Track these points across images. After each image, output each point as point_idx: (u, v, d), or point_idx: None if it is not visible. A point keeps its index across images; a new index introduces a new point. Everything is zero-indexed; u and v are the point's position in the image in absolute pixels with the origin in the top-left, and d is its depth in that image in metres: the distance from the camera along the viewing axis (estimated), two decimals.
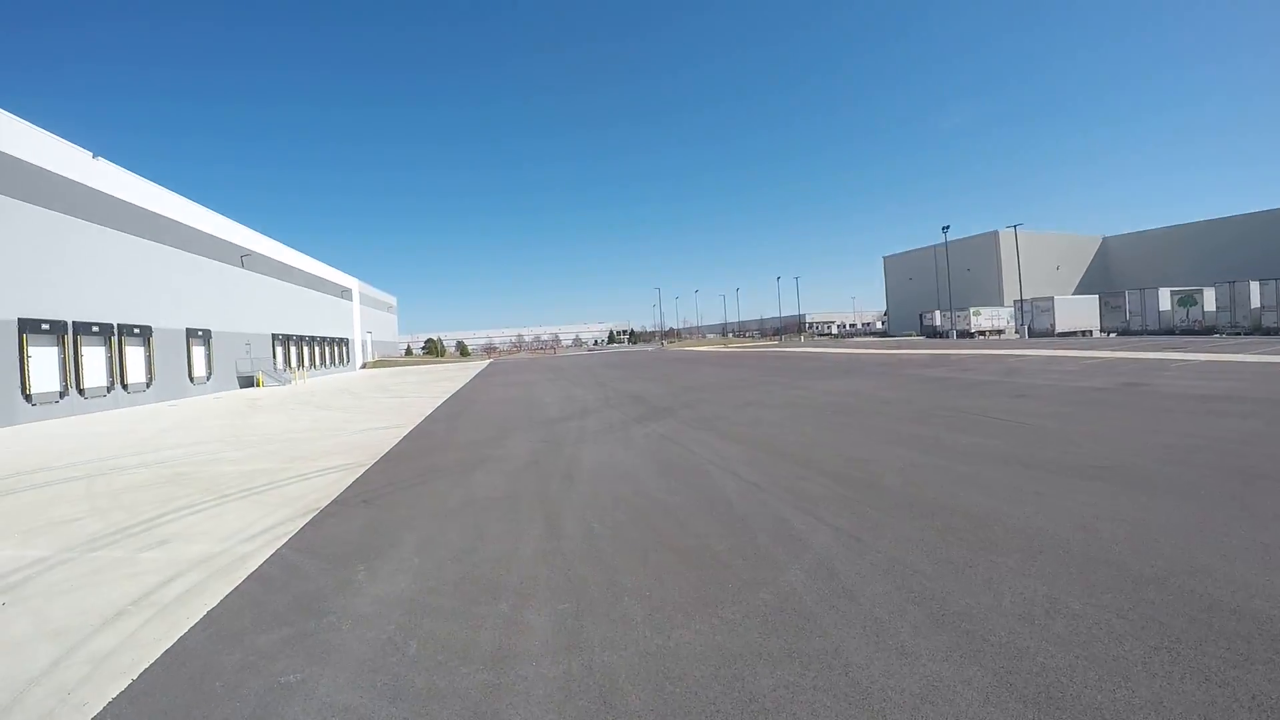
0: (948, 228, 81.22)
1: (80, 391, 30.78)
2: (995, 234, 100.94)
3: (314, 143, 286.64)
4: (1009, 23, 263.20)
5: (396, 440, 14.62)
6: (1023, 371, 23.91)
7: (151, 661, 4.43)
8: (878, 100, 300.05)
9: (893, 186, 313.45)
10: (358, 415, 21.46)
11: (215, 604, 5.40)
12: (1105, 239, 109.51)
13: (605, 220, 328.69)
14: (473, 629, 4.65)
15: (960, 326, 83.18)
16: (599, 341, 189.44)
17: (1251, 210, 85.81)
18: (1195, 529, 5.84)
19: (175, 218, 40.38)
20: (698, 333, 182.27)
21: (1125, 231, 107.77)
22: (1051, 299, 74.15)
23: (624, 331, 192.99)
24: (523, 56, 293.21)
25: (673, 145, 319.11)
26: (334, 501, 8.92)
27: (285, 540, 7.21)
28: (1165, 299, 63.39)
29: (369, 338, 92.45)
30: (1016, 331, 78.25)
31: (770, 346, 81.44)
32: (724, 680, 3.77)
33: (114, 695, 4.01)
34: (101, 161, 33.80)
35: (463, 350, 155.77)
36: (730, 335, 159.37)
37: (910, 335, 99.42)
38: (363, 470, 11.11)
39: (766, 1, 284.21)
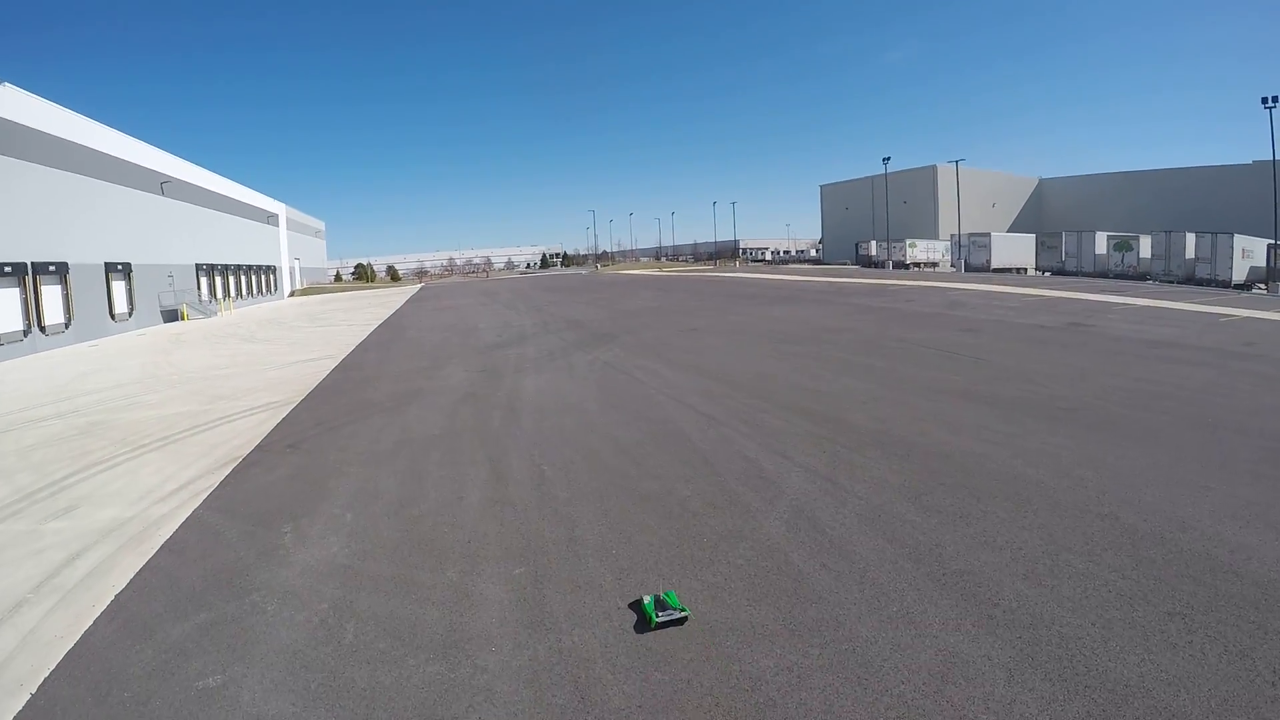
0: (888, 159, 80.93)
1: None
2: (934, 168, 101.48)
3: (234, 57, 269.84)
4: None
5: (325, 373, 13.78)
6: (966, 305, 23.73)
7: (52, 669, 3.70)
8: (824, 31, 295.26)
9: (834, 120, 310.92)
10: (284, 347, 20.36)
11: (124, 585, 4.71)
12: (1041, 181, 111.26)
13: (541, 150, 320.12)
14: (418, 605, 4.08)
15: (896, 258, 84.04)
16: (531, 265, 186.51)
17: (1186, 165, 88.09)
18: (1176, 481, 5.60)
19: (90, 144, 37.53)
20: (631, 256, 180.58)
21: (1061, 175, 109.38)
22: (989, 235, 74.99)
23: (556, 255, 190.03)
24: None
25: (617, 80, 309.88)
26: (257, 448, 8.19)
27: (204, 498, 6.52)
28: (1102, 243, 64.64)
29: (297, 264, 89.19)
30: (953, 265, 79.01)
31: (705, 272, 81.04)
32: (718, 662, 3.29)
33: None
34: (8, 87, 31.07)
35: (393, 275, 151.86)
36: (664, 259, 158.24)
37: (845, 264, 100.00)
38: (289, 409, 10.32)
39: None
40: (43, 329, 32.38)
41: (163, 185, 46.70)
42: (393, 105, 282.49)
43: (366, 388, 11.62)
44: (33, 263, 31.79)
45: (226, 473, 7.27)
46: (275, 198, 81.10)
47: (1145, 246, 60.92)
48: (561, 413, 8.63)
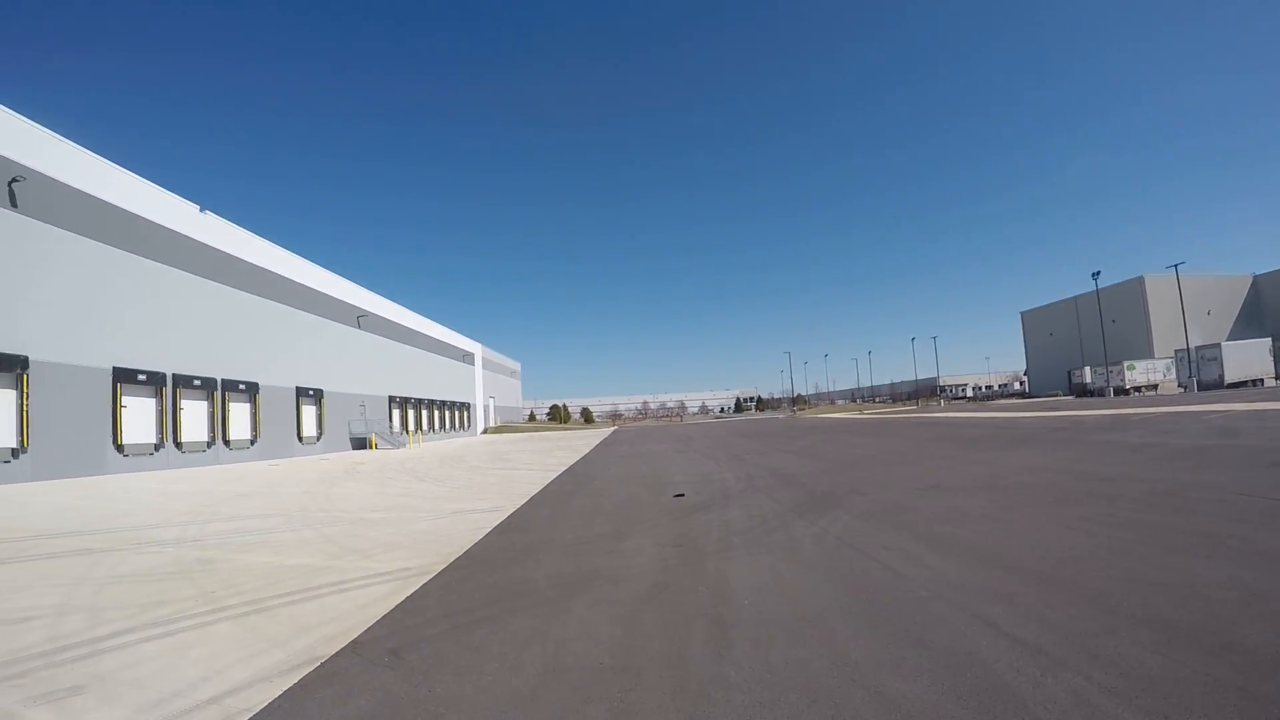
0: (1098, 273, 73.86)
1: (178, 445, 29.69)
2: (1141, 280, 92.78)
3: (439, 204, 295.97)
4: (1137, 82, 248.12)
5: (485, 532, 11.33)
6: (1241, 432, 19.41)
7: None
8: (1003, 153, 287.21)
9: (1025, 243, 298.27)
10: (455, 490, 18.60)
11: None
12: (1256, 278, 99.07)
13: (733, 286, 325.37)
14: None
15: (1115, 383, 75.70)
16: (725, 409, 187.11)
17: None
18: None
19: (287, 275, 39.72)
20: (826, 399, 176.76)
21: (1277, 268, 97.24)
22: (1219, 346, 66.52)
23: (750, 399, 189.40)
24: (643, 117, 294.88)
25: (796, 207, 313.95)
26: (351, 645, 5.66)
27: None
28: None
29: (491, 402, 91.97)
30: (1180, 385, 70.42)
31: (907, 412, 75.63)
32: None
33: None
34: (209, 215, 33.15)
35: (587, 417, 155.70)
36: (861, 401, 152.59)
37: (1056, 395, 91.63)
38: (421, 582, 7.85)
39: (886, 58, 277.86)
40: (227, 443, 33.22)
41: (359, 319, 48.71)
42: (585, 265, 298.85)
43: (527, 560, 8.93)
44: (222, 379, 32.89)
45: (284, 688, 4.81)
46: (473, 337, 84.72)
47: None
48: (794, 633, 5.38)
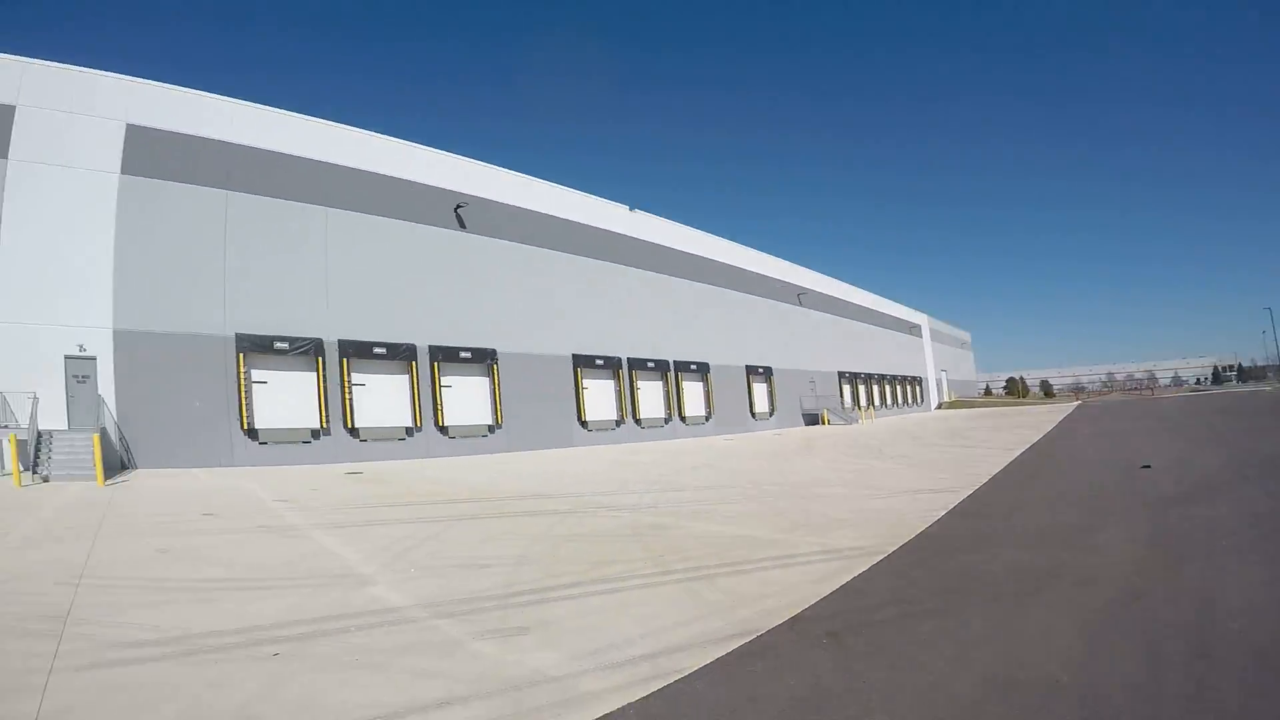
0: None
1: (637, 421, 33.14)
2: None
3: (888, 178, 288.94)
4: None
5: (940, 514, 10.73)
6: None
7: None
8: None
9: None
10: (910, 467, 18.10)
11: None
12: None
13: (1210, 235, 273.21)
14: None
15: None
16: (1201, 379, 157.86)
17: None
18: None
19: (721, 259, 42.17)
20: None
21: None
22: None
23: (1229, 367, 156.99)
24: None
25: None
26: (790, 622, 5.71)
27: (658, 686, 4.44)
28: None
29: (944, 376, 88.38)
30: None
31: None
32: None
33: None
34: (638, 213, 36.53)
35: (1046, 391, 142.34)
36: None
37: None
38: (870, 563, 7.66)
39: None
40: (683, 419, 36.34)
41: (799, 296, 49.74)
42: (1048, 233, 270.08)
43: (983, 548, 8.24)
44: (674, 361, 36.03)
45: (716, 655, 4.98)
46: (918, 309, 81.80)
47: None
48: None
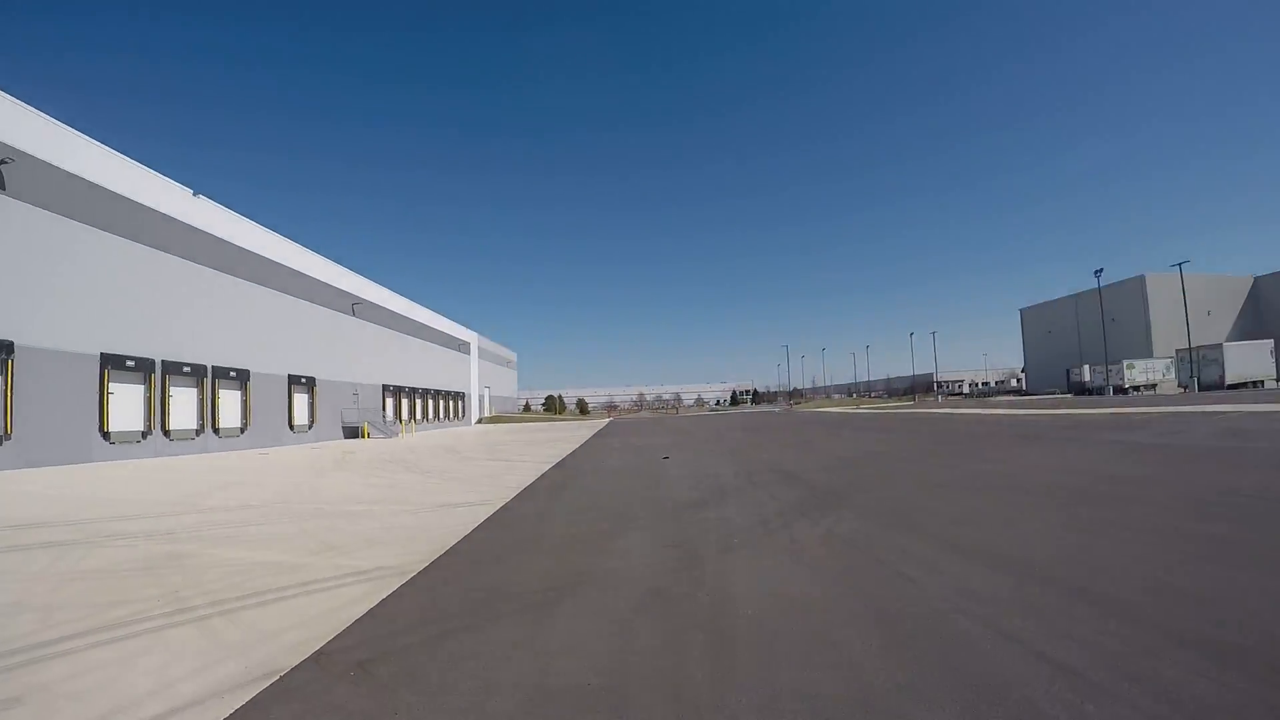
0: (1100, 271, 73.28)
1: (166, 433, 29.14)
2: (1142, 279, 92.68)
3: (437, 204, 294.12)
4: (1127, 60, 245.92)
5: (473, 527, 10.76)
6: (1250, 433, 19.17)
7: None
8: (1005, 141, 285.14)
9: (1022, 235, 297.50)
10: (445, 482, 18.00)
11: None
12: (1257, 279, 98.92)
13: (732, 280, 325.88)
14: None
15: (1114, 382, 75.37)
16: (720, 402, 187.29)
17: None
18: None
19: (280, 260, 39.10)
20: (823, 393, 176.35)
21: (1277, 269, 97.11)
22: (1220, 346, 66.48)
23: (746, 392, 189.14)
24: (645, 130, 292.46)
25: (805, 215, 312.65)
26: (315, 657, 5.12)
27: None
28: None
29: (487, 393, 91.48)
30: (1181, 385, 70.14)
31: (904, 408, 74.99)
32: None
33: None
34: (202, 200, 32.46)
35: (582, 408, 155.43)
36: (857, 396, 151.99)
37: (1053, 393, 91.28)
38: (401, 582, 7.31)
39: (888, 77, 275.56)
40: (216, 431, 32.66)
41: (354, 306, 48.06)
42: (584, 259, 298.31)
43: (514, 559, 8.37)
44: (213, 366, 32.30)
45: (235, 706, 4.32)
46: (469, 326, 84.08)
47: None
48: (804, 652, 4.78)
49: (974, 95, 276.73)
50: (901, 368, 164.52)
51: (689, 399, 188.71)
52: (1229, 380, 62.71)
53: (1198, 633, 4.67)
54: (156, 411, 28.92)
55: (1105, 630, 4.81)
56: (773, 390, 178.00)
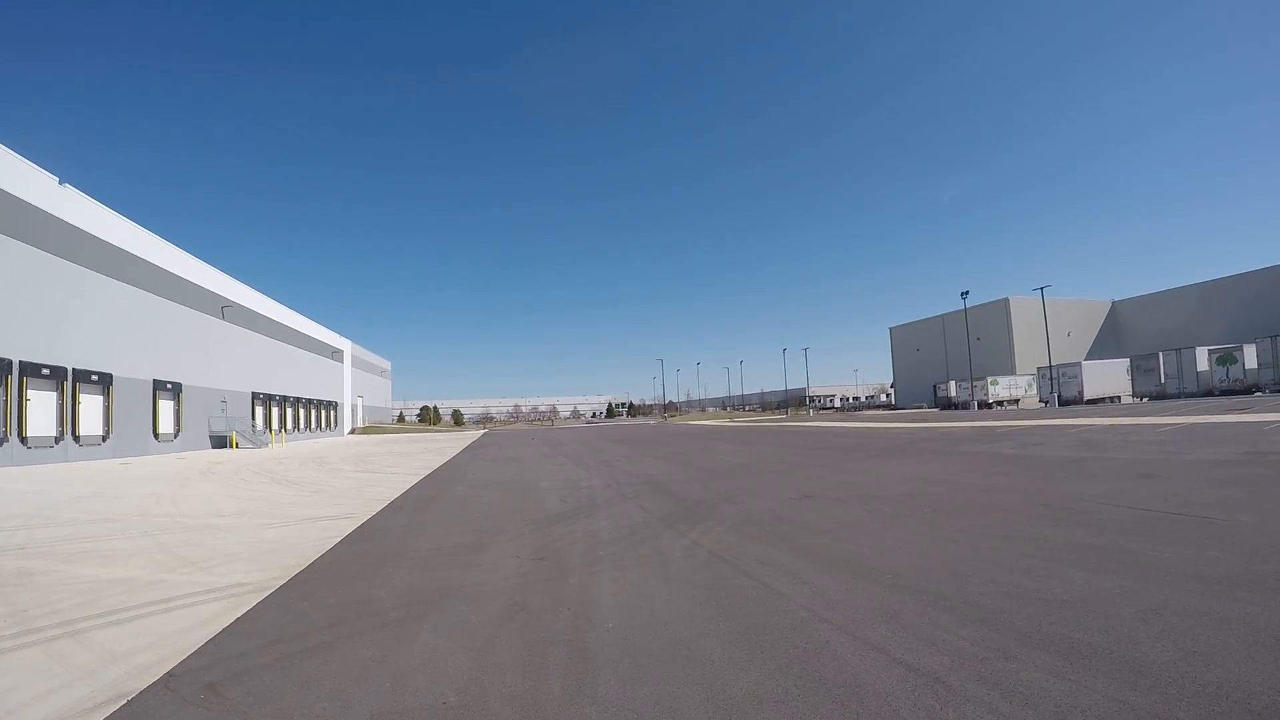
0: (967, 293, 77.53)
1: (22, 440, 27.13)
2: (1006, 301, 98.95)
3: (311, 202, 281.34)
4: (997, 89, 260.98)
5: (336, 541, 10.57)
6: (1105, 445, 20.66)
7: None
8: (873, 173, 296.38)
9: (891, 260, 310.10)
10: (311, 494, 17.57)
11: None
12: (1115, 303, 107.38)
13: (607, 293, 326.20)
14: None
15: (979, 397, 79.62)
16: (597, 414, 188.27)
17: (1257, 268, 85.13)
18: None
19: (149, 259, 37.04)
20: (698, 406, 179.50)
21: (1134, 295, 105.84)
22: (1079, 364, 71.27)
23: (622, 405, 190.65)
24: (523, 126, 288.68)
25: (671, 223, 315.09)
26: (164, 679, 4.96)
27: None
28: (1203, 359, 60.27)
29: (360, 402, 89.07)
30: (1042, 400, 74.71)
31: (777, 421, 77.12)
32: None
33: None
34: (69, 189, 30.47)
35: (458, 420, 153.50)
36: (731, 409, 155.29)
37: (921, 408, 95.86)
38: (257, 600, 7.12)
39: (755, 77, 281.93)
40: (77, 439, 30.67)
41: (224, 309, 46.02)
42: (456, 243, 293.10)
43: (377, 574, 8.26)
44: (74, 369, 30.37)
45: None
46: (343, 334, 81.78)
47: (1250, 356, 56.93)
48: (665, 664, 4.93)
49: (843, 139, 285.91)
50: (775, 383, 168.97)
51: (565, 411, 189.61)
52: (1088, 396, 67.22)
53: (1055, 635, 5.08)
54: (14, 416, 26.94)
55: (964, 635, 5.17)
56: (649, 403, 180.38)
